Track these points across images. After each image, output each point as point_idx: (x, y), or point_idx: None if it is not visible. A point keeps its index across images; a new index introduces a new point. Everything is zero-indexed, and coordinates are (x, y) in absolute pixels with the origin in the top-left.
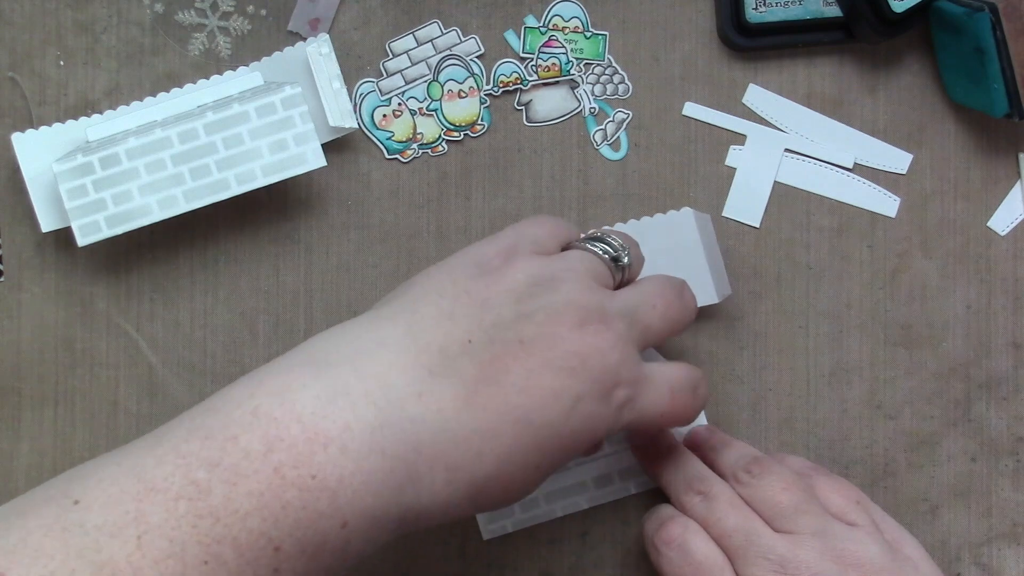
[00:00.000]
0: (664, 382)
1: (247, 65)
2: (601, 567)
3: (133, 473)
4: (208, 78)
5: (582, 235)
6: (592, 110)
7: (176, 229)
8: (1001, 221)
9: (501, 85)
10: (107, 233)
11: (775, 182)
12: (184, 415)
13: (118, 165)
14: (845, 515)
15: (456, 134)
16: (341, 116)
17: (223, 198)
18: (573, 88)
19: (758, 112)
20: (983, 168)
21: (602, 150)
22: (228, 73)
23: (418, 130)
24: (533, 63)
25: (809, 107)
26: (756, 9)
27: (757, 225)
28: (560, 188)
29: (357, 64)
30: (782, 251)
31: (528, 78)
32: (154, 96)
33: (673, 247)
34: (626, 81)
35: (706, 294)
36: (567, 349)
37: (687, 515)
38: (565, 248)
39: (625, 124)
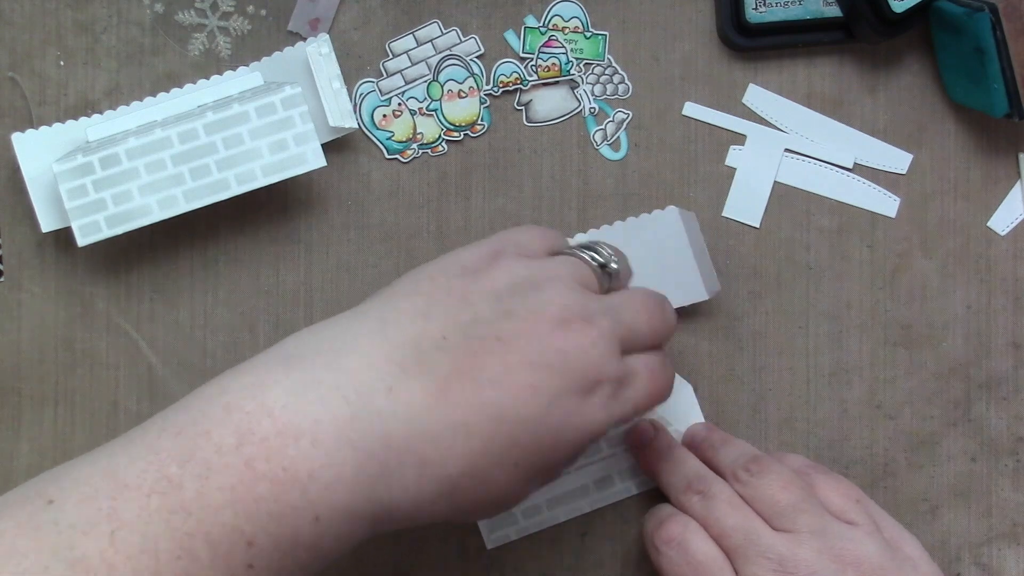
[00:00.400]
0: (644, 368)
1: (247, 65)
2: (601, 567)
3: (107, 471)
4: (208, 78)
5: (571, 245)
6: (592, 110)
7: (176, 229)
8: (1001, 221)
9: (501, 85)
10: (107, 233)
11: (775, 182)
12: (158, 415)
13: (118, 165)
14: (844, 514)
15: (456, 134)
16: (341, 116)
17: (223, 198)
18: (573, 88)
19: (758, 112)
20: (983, 168)
21: (602, 150)
22: (228, 73)
23: (418, 130)
24: (533, 63)
25: (809, 107)
26: (756, 9)
27: (757, 225)
28: (560, 188)
29: (357, 64)
30: (782, 251)
31: (528, 78)
32: (154, 96)
33: (660, 246)
34: (626, 81)
35: (695, 292)
36: (547, 345)
37: (686, 514)
38: (552, 254)
39: (625, 124)
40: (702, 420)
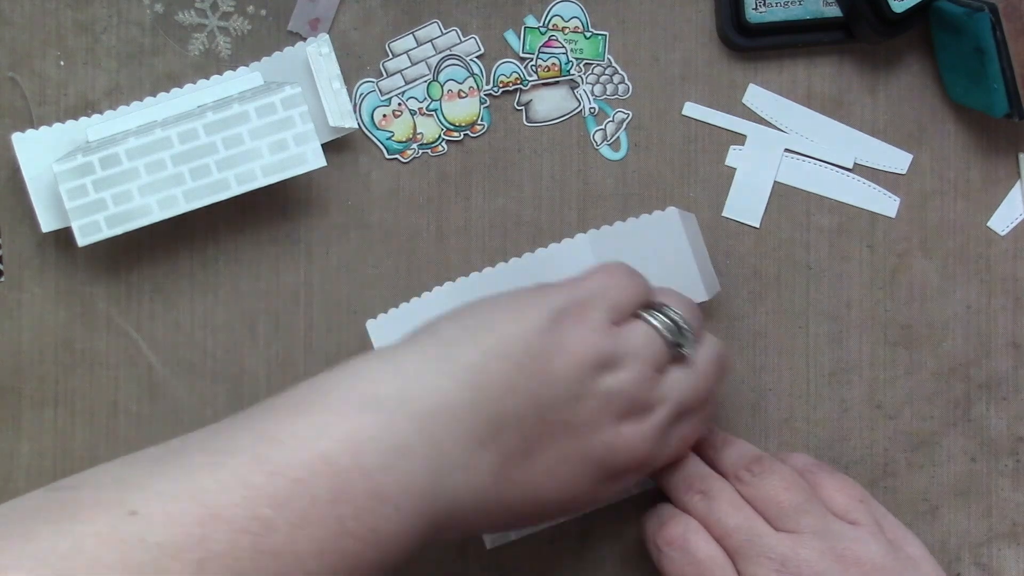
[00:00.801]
0: (681, 443)
1: (247, 65)
2: (601, 567)
3: (194, 494)
4: (208, 78)
5: (653, 297)
6: (592, 110)
7: (176, 229)
8: (1001, 221)
9: (501, 85)
10: (107, 233)
11: (775, 182)
12: (240, 432)
13: (118, 165)
14: (847, 514)
15: (456, 134)
16: (341, 116)
17: (223, 198)
18: (573, 88)
19: (758, 112)
20: (983, 168)
21: (602, 150)
22: (228, 73)
23: (418, 130)
24: (533, 63)
25: (809, 107)
26: (756, 9)
27: (757, 225)
28: (560, 188)
29: (357, 64)
30: (782, 251)
31: (528, 78)
32: (154, 96)
33: (660, 248)
34: (626, 81)
35: (695, 292)
36: (602, 438)
37: (688, 514)
38: (635, 312)
39: (625, 124)
40: None
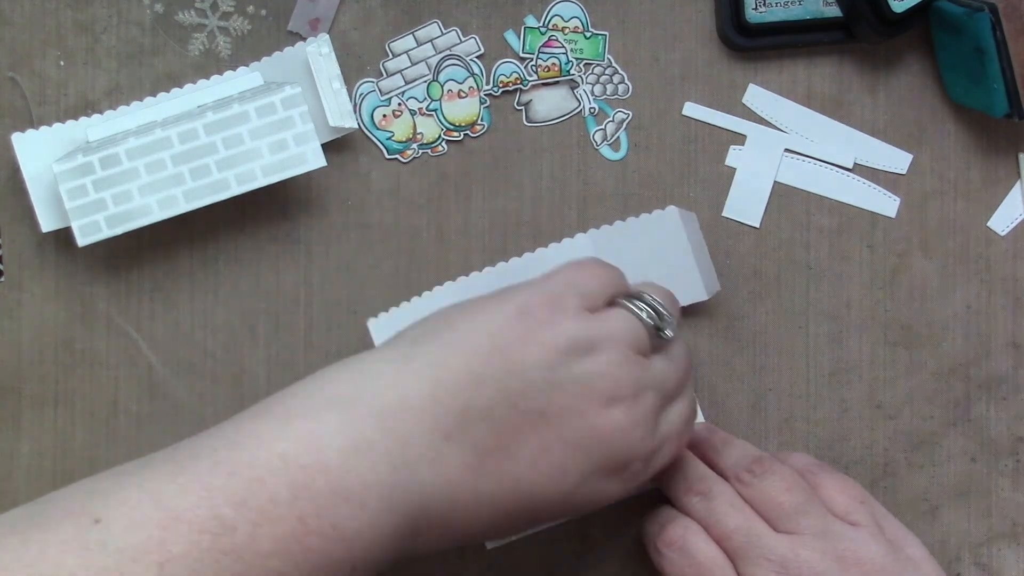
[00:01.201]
0: (675, 434)
1: (247, 65)
2: (601, 567)
3: (156, 499)
4: (208, 78)
5: (629, 288)
6: (592, 110)
7: (176, 229)
8: (1001, 221)
9: (501, 85)
10: (107, 233)
11: (775, 182)
12: (203, 441)
13: (118, 165)
14: (848, 515)
15: (456, 134)
16: (341, 116)
17: (223, 198)
18: (573, 88)
19: (758, 112)
20: (983, 168)
21: (602, 150)
22: (228, 73)
23: (418, 130)
24: (533, 63)
25: (809, 107)
26: (756, 9)
27: (757, 225)
28: (560, 188)
29: (357, 64)
30: (782, 251)
31: (528, 78)
32: (154, 96)
33: (660, 247)
34: (626, 81)
35: (695, 292)
36: (588, 425)
37: (688, 516)
38: (611, 301)
39: (625, 124)
40: (703, 421)
